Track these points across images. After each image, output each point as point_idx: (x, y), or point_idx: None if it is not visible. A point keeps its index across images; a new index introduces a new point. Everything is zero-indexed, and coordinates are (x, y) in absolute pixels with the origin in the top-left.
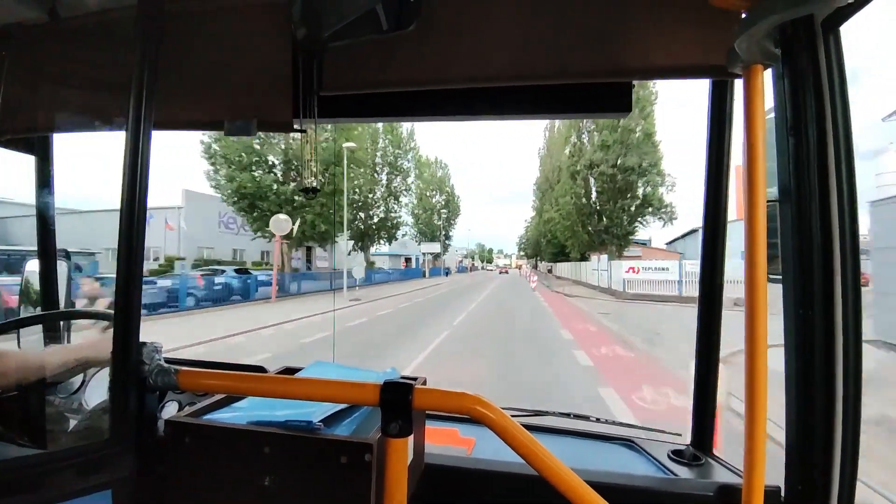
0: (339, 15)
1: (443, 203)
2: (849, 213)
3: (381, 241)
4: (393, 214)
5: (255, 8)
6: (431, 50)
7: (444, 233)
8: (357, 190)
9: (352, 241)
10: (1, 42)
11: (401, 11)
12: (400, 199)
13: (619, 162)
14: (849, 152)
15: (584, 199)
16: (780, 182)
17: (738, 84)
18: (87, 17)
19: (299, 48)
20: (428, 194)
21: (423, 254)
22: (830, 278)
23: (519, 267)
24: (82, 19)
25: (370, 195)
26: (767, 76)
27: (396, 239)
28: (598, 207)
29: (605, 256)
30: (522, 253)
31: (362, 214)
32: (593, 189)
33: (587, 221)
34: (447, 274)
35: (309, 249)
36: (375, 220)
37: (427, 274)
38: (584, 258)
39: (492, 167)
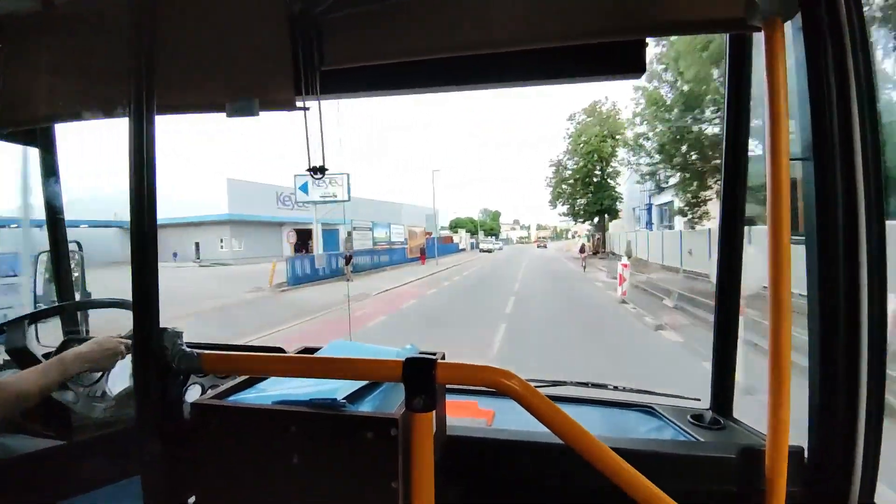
0: None
1: None
2: (873, 169)
3: None
4: None
5: None
6: (433, 16)
7: None
8: None
9: None
10: None
11: None
12: None
13: None
14: (872, 105)
15: None
16: (802, 138)
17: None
18: (83, 4)
19: (297, 22)
20: None
21: None
22: (854, 236)
23: (540, 243)
24: (77, 6)
25: None
26: (788, 30)
27: None
28: None
29: None
30: (564, 209)
31: None
32: None
33: None
34: None
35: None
36: None
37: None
38: None
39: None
